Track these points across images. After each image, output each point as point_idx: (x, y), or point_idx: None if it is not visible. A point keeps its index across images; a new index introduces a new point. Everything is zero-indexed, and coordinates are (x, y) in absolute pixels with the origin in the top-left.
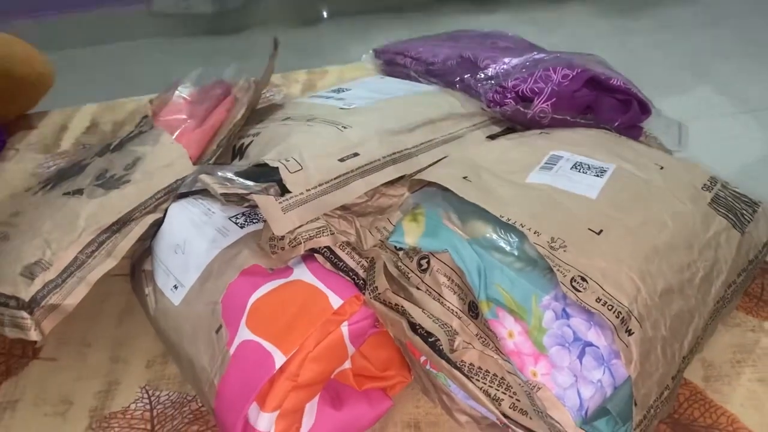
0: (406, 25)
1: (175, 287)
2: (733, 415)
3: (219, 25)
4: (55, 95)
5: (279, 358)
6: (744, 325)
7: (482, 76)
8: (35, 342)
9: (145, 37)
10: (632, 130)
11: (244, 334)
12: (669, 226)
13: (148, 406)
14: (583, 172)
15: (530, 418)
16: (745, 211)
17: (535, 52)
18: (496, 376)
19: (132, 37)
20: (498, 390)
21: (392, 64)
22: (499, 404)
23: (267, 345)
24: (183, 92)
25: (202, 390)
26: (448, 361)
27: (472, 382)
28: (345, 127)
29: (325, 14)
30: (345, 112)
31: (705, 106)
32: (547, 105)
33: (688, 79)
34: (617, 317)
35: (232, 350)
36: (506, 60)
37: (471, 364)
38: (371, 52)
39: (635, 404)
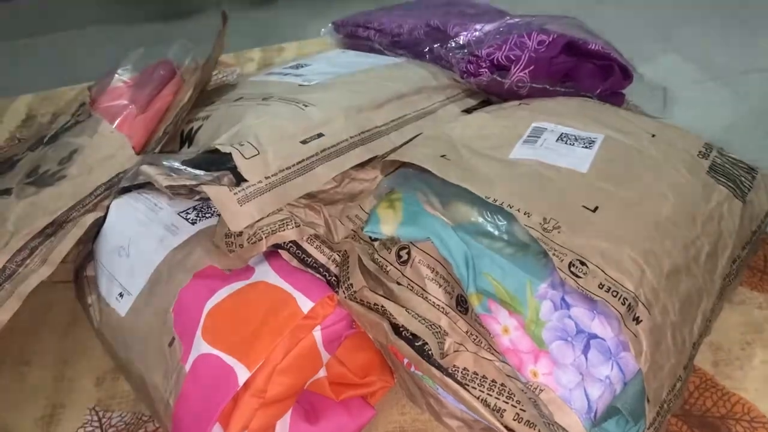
0: (367, 5)
1: (121, 295)
2: (749, 403)
3: (170, 9)
4: None
5: (242, 374)
6: (750, 302)
7: (453, 45)
8: None
9: (93, 24)
10: (614, 97)
11: (201, 347)
12: (669, 198)
13: (98, 431)
14: (571, 144)
15: (538, 431)
16: (744, 178)
17: (508, 18)
18: (495, 382)
19: (79, 25)
20: (498, 399)
21: (354, 38)
22: (501, 416)
23: (228, 359)
24: (123, 75)
25: (156, 411)
26: (439, 367)
27: (468, 391)
28: (306, 105)
29: None
30: (305, 88)
31: (672, 74)
32: (525, 73)
33: (653, 47)
34: (623, 304)
35: (187, 366)
36: (477, 26)
37: (465, 369)
38: (330, 26)
39: (648, 400)
